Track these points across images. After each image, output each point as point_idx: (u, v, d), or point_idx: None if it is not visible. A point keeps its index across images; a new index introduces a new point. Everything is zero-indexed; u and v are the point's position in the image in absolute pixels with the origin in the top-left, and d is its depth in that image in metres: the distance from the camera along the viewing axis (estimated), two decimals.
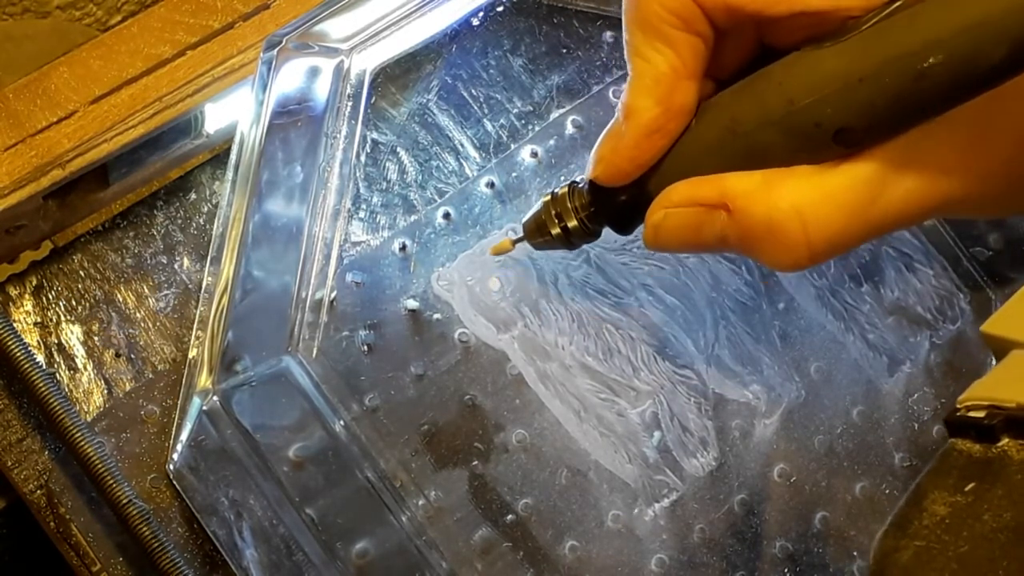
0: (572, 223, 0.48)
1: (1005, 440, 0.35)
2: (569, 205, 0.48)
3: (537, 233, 0.50)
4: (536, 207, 0.50)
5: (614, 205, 0.47)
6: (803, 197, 0.41)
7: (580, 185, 0.48)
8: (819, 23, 0.41)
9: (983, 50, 0.37)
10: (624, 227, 0.48)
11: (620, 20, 0.60)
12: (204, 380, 0.49)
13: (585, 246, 0.56)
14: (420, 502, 0.51)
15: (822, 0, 0.41)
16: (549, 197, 0.49)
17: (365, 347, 0.53)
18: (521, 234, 0.51)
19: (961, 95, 0.39)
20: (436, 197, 0.56)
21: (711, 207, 0.43)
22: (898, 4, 0.39)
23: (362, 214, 0.55)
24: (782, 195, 0.41)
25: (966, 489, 0.35)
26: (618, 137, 0.45)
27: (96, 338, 0.53)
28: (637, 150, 0.44)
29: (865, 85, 0.39)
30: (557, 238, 0.49)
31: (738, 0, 0.42)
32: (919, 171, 0.41)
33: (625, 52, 0.44)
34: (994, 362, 0.60)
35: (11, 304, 0.53)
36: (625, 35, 0.44)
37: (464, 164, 0.57)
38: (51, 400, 0.49)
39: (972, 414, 0.36)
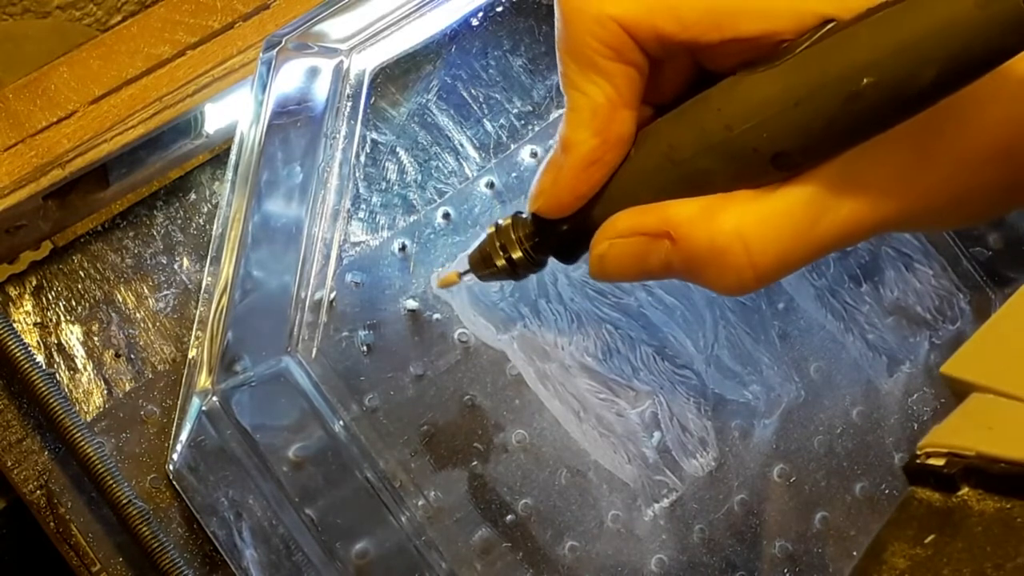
0: (517, 254, 0.48)
1: (965, 489, 0.35)
2: (513, 236, 0.48)
3: (482, 265, 0.49)
4: (480, 239, 0.50)
5: (558, 235, 0.47)
6: (745, 222, 0.41)
7: (524, 216, 0.48)
8: (753, 48, 0.41)
9: (913, 71, 0.37)
10: (569, 257, 0.48)
11: None
12: (204, 380, 0.49)
13: None
14: (420, 502, 0.51)
15: (753, 26, 0.41)
16: (493, 228, 0.49)
17: (365, 347, 0.53)
18: (468, 266, 0.51)
19: (895, 116, 0.39)
20: (436, 197, 0.56)
21: (654, 236, 0.43)
22: (830, 27, 0.40)
23: (362, 214, 0.55)
24: (724, 221, 0.41)
25: (926, 541, 0.35)
26: (558, 169, 0.45)
27: (96, 338, 0.53)
28: (576, 182, 0.44)
29: (800, 109, 0.39)
30: (503, 270, 0.49)
31: (669, 30, 0.42)
32: (858, 192, 0.41)
33: (560, 84, 0.44)
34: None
35: (11, 304, 0.53)
36: (560, 67, 0.44)
37: (464, 164, 0.57)
38: (51, 400, 0.49)
39: (931, 462, 0.36)
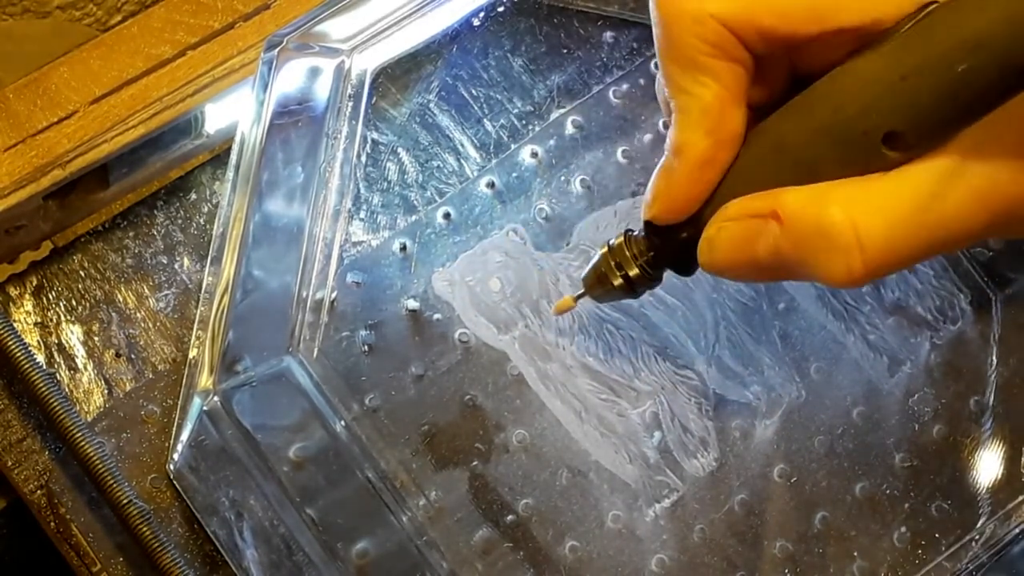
0: (633, 271, 0.48)
1: None
2: (628, 253, 0.48)
3: (598, 285, 0.50)
4: (594, 259, 0.50)
5: (673, 245, 0.47)
6: (854, 203, 0.40)
7: (635, 233, 0.48)
8: (854, 40, 0.41)
9: (1022, 39, 0.36)
10: (686, 268, 0.47)
11: (620, 20, 0.61)
12: (205, 380, 0.49)
13: (585, 245, 0.56)
14: (420, 502, 0.51)
15: (854, 16, 0.40)
16: (606, 248, 0.49)
17: (365, 347, 0.53)
18: (582, 289, 0.51)
19: (1006, 89, 0.38)
20: (436, 197, 0.56)
21: (763, 217, 0.42)
22: (934, 6, 0.39)
23: (362, 214, 0.55)
24: (833, 202, 0.40)
25: None
26: (670, 174, 0.44)
27: (96, 338, 0.53)
28: (690, 184, 0.44)
29: (908, 84, 0.39)
30: (620, 288, 0.49)
31: (769, 24, 0.41)
32: (974, 176, 0.40)
33: (665, 89, 0.44)
34: (995, 361, 0.60)
35: (11, 304, 0.53)
36: (662, 72, 0.44)
37: (464, 164, 0.57)
38: (51, 400, 0.49)
39: None
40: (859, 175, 0.41)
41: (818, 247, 0.41)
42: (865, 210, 0.40)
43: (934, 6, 0.39)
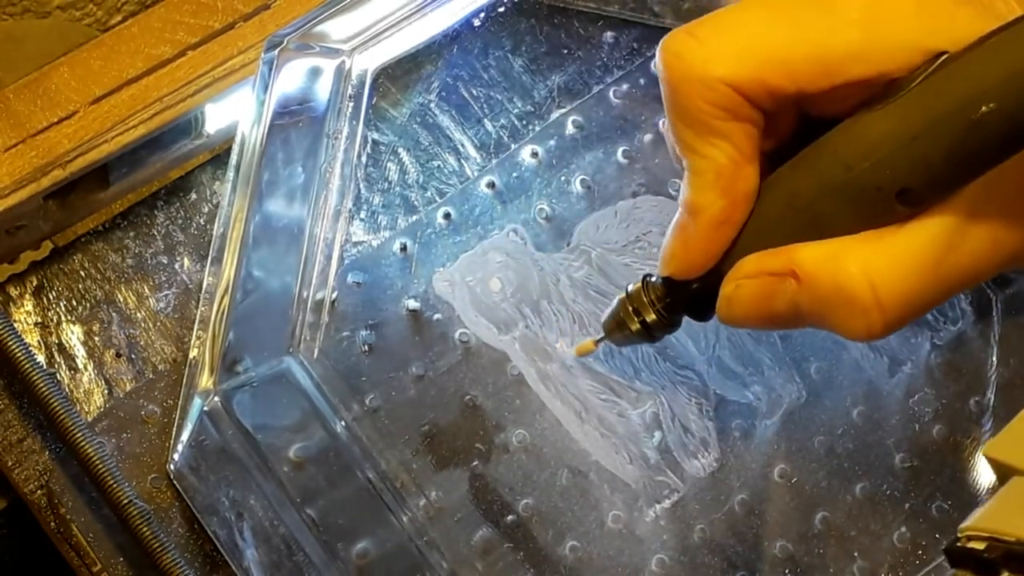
0: (651, 317, 0.49)
1: (1005, 575, 0.35)
2: (645, 299, 0.49)
3: (617, 330, 0.50)
4: (612, 305, 0.50)
5: (689, 294, 0.47)
6: (870, 261, 0.40)
7: (653, 279, 0.49)
8: (862, 91, 0.41)
9: None
10: (702, 314, 0.48)
11: (620, 20, 0.61)
12: (205, 380, 0.49)
13: (585, 246, 0.56)
14: (421, 502, 0.51)
15: (861, 70, 0.41)
16: (624, 294, 0.50)
17: (366, 347, 0.53)
18: (603, 334, 0.52)
19: (1017, 143, 0.38)
20: (437, 197, 0.56)
21: (780, 275, 0.42)
22: (942, 59, 0.39)
23: (363, 214, 0.55)
24: (849, 260, 0.41)
25: None
26: (686, 233, 0.45)
27: (96, 338, 0.53)
28: (707, 243, 0.44)
29: (919, 143, 0.39)
30: (637, 333, 0.49)
31: (778, 84, 0.41)
32: (987, 223, 0.40)
33: (676, 148, 0.44)
34: (995, 361, 0.60)
35: (11, 304, 0.53)
36: (673, 132, 0.44)
37: (465, 164, 0.57)
38: (51, 400, 0.49)
39: (972, 545, 0.36)
40: (870, 229, 0.41)
41: (837, 306, 0.41)
42: (882, 268, 0.40)
43: (942, 59, 0.39)
